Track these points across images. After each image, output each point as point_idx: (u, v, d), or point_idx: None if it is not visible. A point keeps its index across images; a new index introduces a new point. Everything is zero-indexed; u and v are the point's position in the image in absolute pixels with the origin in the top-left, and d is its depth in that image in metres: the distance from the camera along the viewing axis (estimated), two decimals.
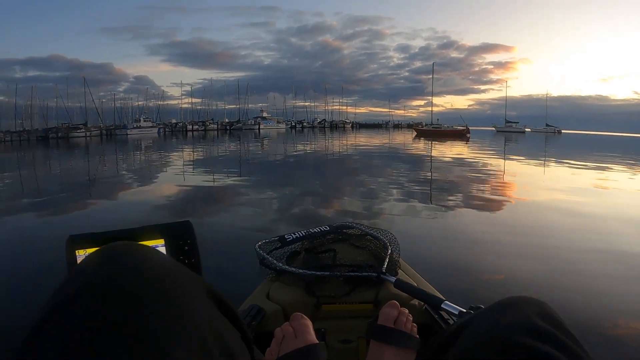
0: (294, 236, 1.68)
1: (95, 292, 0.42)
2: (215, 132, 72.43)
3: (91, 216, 5.96)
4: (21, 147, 37.59)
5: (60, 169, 15.20)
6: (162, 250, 0.75)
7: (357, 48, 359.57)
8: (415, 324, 1.01)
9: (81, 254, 0.72)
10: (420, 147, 24.27)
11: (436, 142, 28.18)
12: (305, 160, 16.12)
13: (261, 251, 1.58)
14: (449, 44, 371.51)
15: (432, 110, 55.46)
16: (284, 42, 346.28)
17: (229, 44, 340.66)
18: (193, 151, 22.58)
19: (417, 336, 0.99)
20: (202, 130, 76.84)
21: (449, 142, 28.26)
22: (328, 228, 1.78)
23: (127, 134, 60.66)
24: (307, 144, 28.45)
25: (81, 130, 62.11)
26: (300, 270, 1.42)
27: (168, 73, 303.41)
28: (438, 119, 51.22)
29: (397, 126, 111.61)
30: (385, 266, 1.43)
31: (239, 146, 26.58)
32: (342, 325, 1.31)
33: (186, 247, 0.76)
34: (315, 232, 1.73)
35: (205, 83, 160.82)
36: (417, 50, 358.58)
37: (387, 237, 1.67)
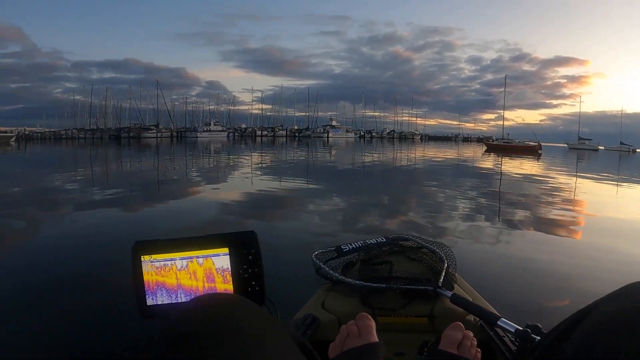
0: (350, 247, 1.70)
1: (192, 345, 0.44)
2: (284, 138, 73.78)
3: (158, 215, 6.39)
4: (94, 145, 40.28)
5: (133, 167, 16.26)
6: (227, 259, 0.77)
7: (428, 59, 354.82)
8: (479, 350, 0.99)
9: (146, 259, 0.76)
10: (490, 162, 23.61)
11: (506, 158, 27.34)
12: (372, 170, 16.28)
13: (317, 261, 1.61)
14: (521, 57, 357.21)
15: (503, 125, 53.43)
16: (355, 51, 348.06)
17: (300, 52, 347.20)
18: (261, 156, 23.25)
19: None
20: (270, 136, 78.80)
21: (519, 158, 27.34)
22: (384, 239, 1.78)
23: (196, 137, 63.14)
24: (375, 154, 28.55)
25: (152, 131, 65.03)
26: (357, 282, 1.44)
27: (239, 79, 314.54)
28: (508, 134, 49.43)
29: (467, 139, 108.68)
30: (441, 280, 1.43)
31: (306, 153, 27.10)
32: (396, 338, 1.30)
33: (250, 257, 0.78)
34: (371, 243, 1.74)
35: (275, 90, 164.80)
36: (488, 62, 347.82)
37: (443, 250, 1.67)
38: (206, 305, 0.52)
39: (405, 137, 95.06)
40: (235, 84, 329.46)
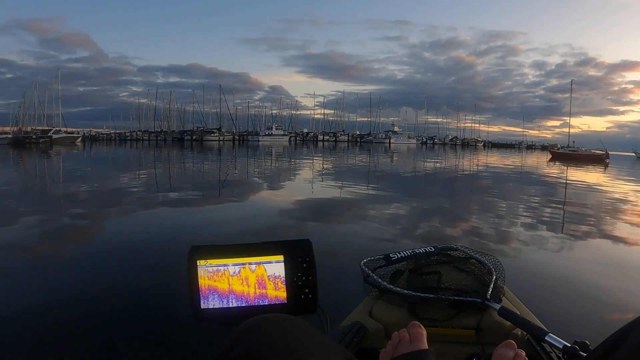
0: (399, 255, 1.69)
1: None
2: (346, 143, 73.84)
3: (219, 217, 6.75)
4: (157, 147, 41.90)
5: (194, 169, 17.18)
6: (281, 266, 0.79)
7: (491, 64, 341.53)
8: None
9: (202, 264, 0.79)
10: (555, 171, 23.12)
11: (572, 167, 26.79)
12: (434, 177, 16.60)
13: (366, 268, 1.62)
14: (587, 61, 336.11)
15: (569, 132, 51.21)
16: (417, 56, 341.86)
17: (363, 57, 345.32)
18: (322, 161, 23.81)
19: None
20: (332, 141, 78.94)
21: (586, 167, 26.65)
22: (432, 249, 1.77)
23: (258, 141, 64.63)
24: (437, 161, 28.49)
25: (215, 135, 66.54)
26: (405, 291, 1.44)
27: (302, 84, 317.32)
28: (574, 141, 47.48)
29: (531, 147, 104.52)
30: (489, 292, 1.42)
31: (368, 159, 27.46)
32: (442, 350, 1.29)
33: (305, 265, 0.79)
34: (419, 252, 1.72)
35: (337, 95, 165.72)
36: (552, 67, 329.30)
37: (491, 262, 1.65)
38: (259, 326, 0.55)
39: (467, 144, 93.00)
40: (298, 89, 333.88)
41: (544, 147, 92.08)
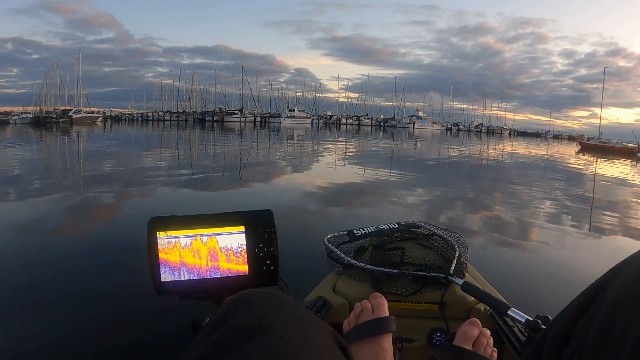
0: (363, 232, 1.69)
1: (241, 339, 0.45)
2: (369, 127, 73.51)
3: (238, 195, 7.00)
4: (178, 127, 42.16)
5: (217, 149, 17.33)
6: (242, 237, 0.77)
7: (519, 51, 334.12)
8: (495, 349, 0.97)
9: (162, 236, 0.76)
10: (588, 163, 22.48)
11: (603, 159, 25.91)
12: (457, 165, 16.34)
13: (330, 244, 1.61)
14: (617, 51, 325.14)
15: (600, 124, 49.49)
16: (445, 41, 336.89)
17: (389, 41, 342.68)
18: (344, 145, 23.71)
19: None
20: (355, 124, 78.62)
21: (617, 160, 25.89)
22: (396, 225, 1.77)
23: (280, 122, 64.57)
24: (461, 148, 28.13)
25: (236, 115, 67.19)
26: (369, 266, 1.43)
27: (328, 67, 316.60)
28: (601, 133, 46.15)
29: (557, 137, 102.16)
30: (453, 268, 1.43)
31: (391, 144, 27.21)
32: (407, 324, 1.31)
33: (266, 236, 0.78)
34: (383, 229, 1.73)
35: (363, 79, 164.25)
36: (582, 56, 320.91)
37: (455, 238, 1.66)
38: (252, 299, 0.52)
39: (493, 132, 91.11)
40: (323, 72, 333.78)
41: (570, 138, 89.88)
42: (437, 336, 1.36)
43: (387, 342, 0.92)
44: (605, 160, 24.80)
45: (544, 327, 1.03)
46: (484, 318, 1.27)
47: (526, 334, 1.14)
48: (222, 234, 0.77)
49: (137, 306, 2.74)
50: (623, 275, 0.57)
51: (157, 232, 0.76)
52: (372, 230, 1.71)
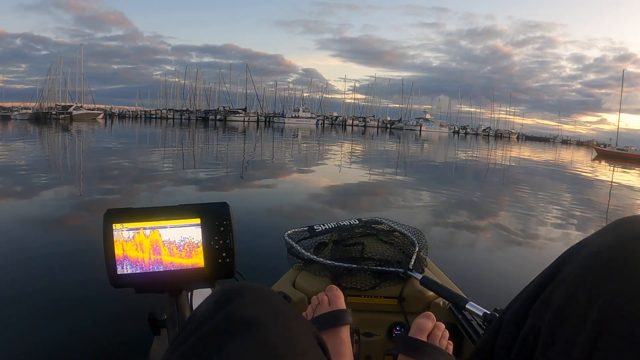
0: (323, 227, 1.68)
1: (232, 331, 0.45)
2: (375, 129, 73.19)
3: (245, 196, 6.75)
4: (180, 126, 42.13)
5: (219, 149, 16.67)
6: (198, 230, 0.75)
7: (528, 55, 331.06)
8: (450, 342, 0.92)
9: (118, 228, 0.74)
10: (620, 175, 20.92)
11: (626, 169, 23.97)
12: (465, 169, 15.27)
13: (290, 240, 1.59)
14: (627, 57, 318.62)
15: (617, 130, 47.58)
16: (454, 44, 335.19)
17: (398, 43, 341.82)
18: (351, 145, 23.04)
19: (453, 355, 0.89)
20: (361, 126, 78.23)
21: (636, 169, 24.19)
22: (357, 222, 1.76)
23: (284, 123, 63.92)
24: (469, 151, 27.17)
25: (240, 115, 66.53)
26: (328, 261, 1.42)
27: (336, 68, 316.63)
28: (610, 139, 44.69)
29: (565, 142, 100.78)
30: (412, 263, 1.43)
31: (398, 147, 26.40)
32: (366, 319, 1.34)
33: (222, 228, 0.76)
34: (344, 225, 1.71)
35: (370, 80, 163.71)
36: (591, 61, 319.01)
37: (415, 234, 1.66)
38: (241, 292, 0.52)
39: (501, 136, 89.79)
40: (332, 73, 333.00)
41: (579, 143, 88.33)
42: (397, 330, 1.36)
43: (345, 334, 0.93)
44: (628, 170, 23.09)
45: None
46: (442, 312, 1.29)
47: (484, 327, 1.15)
48: (178, 226, 0.76)
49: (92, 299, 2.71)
50: (584, 253, 0.58)
51: (113, 225, 0.75)
52: (333, 226, 1.70)
